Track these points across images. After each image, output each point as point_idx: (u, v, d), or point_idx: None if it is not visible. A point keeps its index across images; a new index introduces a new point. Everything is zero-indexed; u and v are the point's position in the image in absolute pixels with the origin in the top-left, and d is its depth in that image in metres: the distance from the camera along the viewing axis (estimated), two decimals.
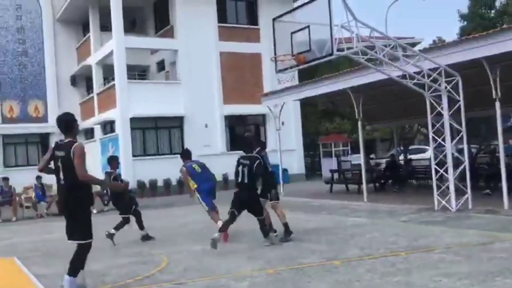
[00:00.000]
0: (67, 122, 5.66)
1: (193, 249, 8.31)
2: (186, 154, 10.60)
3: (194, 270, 6.66)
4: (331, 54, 9.67)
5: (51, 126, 27.52)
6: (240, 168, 8.17)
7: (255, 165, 8.08)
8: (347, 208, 13.04)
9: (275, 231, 8.74)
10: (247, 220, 10.27)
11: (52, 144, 5.99)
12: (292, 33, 10.59)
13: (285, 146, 21.55)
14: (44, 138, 27.59)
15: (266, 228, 8.23)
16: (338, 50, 9.81)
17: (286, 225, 8.59)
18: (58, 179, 5.60)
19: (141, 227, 9.74)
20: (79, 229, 5.52)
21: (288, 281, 5.78)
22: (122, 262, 7.56)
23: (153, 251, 8.40)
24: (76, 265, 5.51)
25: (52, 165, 5.67)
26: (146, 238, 9.63)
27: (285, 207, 14.09)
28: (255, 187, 8.17)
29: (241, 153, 8.66)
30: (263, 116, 25.65)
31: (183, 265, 7.03)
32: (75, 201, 5.49)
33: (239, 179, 8.17)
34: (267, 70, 25.35)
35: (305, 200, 15.81)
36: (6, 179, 16.65)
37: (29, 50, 27.56)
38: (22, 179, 19.01)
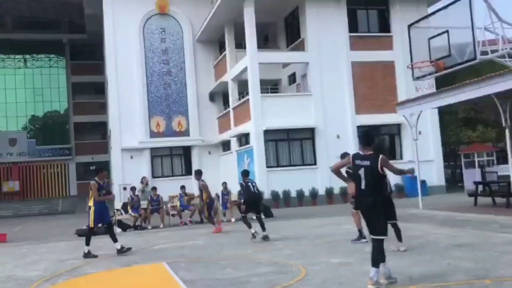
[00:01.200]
0: (371, 137, 6.65)
1: (331, 261, 8.24)
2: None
3: (333, 283, 6.59)
4: (474, 59, 9.11)
5: (192, 139, 29.45)
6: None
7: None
8: (495, 223, 12.04)
9: (364, 237, 9.73)
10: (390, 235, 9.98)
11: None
12: (430, 38, 10.20)
13: (423, 157, 20.59)
14: (186, 150, 29.52)
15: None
16: (481, 53, 9.21)
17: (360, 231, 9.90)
18: (359, 185, 6.42)
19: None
20: (383, 226, 6.38)
21: None
22: (262, 271, 7.74)
23: (291, 261, 8.48)
24: (377, 257, 6.18)
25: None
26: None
27: (425, 220, 13.49)
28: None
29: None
30: (398, 125, 24.82)
31: (321, 277, 6.99)
32: (379, 203, 6.36)
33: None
34: (401, 78, 24.61)
35: (447, 214, 14.89)
36: (154, 188, 18.05)
37: (172, 69, 29.73)
38: (168, 188, 20.52)
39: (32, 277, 8.68)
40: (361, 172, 6.38)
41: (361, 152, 6.51)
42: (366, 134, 6.67)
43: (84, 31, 39.08)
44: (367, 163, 6.36)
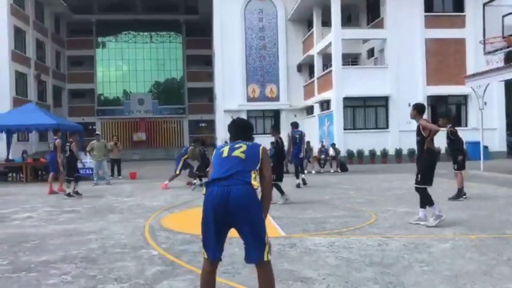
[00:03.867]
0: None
1: (398, 210, 8.03)
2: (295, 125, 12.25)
3: (399, 228, 6.44)
4: None
5: (281, 104, 29.47)
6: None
7: None
8: None
9: (464, 194, 9.04)
10: (453, 191, 9.52)
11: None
12: (504, 16, 9.24)
13: (487, 125, 19.20)
14: (276, 113, 29.64)
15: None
16: None
17: (460, 190, 9.00)
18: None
19: None
20: None
21: (491, 247, 5.17)
22: (338, 214, 7.73)
23: (363, 208, 8.38)
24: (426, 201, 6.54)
25: None
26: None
27: (485, 181, 12.68)
28: None
29: None
30: (465, 96, 23.15)
31: (389, 223, 6.86)
32: None
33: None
34: (471, 54, 22.77)
35: (507, 176, 13.85)
36: None
37: (267, 44, 29.62)
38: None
39: (155, 206, 9.32)
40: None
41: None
42: (423, 106, 6.67)
43: (197, 12, 39.84)
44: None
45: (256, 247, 3.05)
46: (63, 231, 6.80)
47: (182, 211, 8.76)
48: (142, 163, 29.27)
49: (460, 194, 9.04)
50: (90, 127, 39.80)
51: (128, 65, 45.13)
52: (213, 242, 3.09)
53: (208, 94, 41.92)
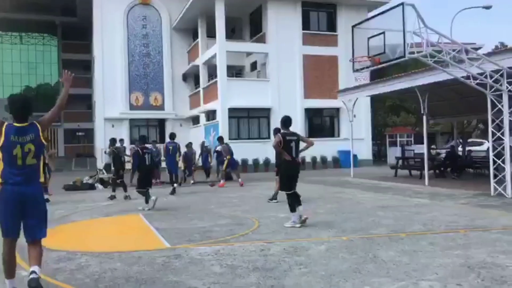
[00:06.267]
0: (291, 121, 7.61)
1: (279, 216, 8.41)
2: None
3: (280, 233, 6.75)
4: (403, 57, 9.31)
5: (166, 113, 28.98)
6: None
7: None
8: (410, 190, 12.56)
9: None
10: (328, 196, 10.24)
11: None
12: (369, 38, 10.30)
13: (356, 136, 21.05)
14: (161, 122, 29.06)
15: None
16: (409, 53, 9.42)
17: (276, 193, 10.34)
18: (291, 154, 7.25)
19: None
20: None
21: (360, 247, 5.70)
22: (222, 223, 7.83)
23: (247, 215, 8.60)
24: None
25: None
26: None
27: (356, 186, 13.90)
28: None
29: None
30: (337, 109, 25.20)
31: (271, 228, 7.15)
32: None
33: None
34: (343, 70, 24.87)
35: (374, 182, 15.40)
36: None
37: (151, 52, 28.96)
38: None
39: None
40: (293, 145, 7.22)
41: (287, 131, 7.34)
42: (289, 119, 7.46)
43: (75, 15, 37.39)
44: (295, 138, 7.32)
45: (41, 227, 3.98)
46: None
47: (57, 226, 8.08)
48: None
49: (275, 196, 10.46)
50: None
51: None
52: (15, 224, 3.89)
53: (86, 101, 39.48)
